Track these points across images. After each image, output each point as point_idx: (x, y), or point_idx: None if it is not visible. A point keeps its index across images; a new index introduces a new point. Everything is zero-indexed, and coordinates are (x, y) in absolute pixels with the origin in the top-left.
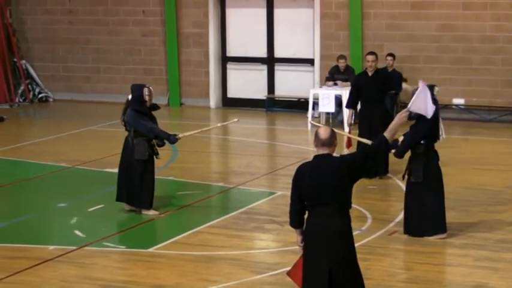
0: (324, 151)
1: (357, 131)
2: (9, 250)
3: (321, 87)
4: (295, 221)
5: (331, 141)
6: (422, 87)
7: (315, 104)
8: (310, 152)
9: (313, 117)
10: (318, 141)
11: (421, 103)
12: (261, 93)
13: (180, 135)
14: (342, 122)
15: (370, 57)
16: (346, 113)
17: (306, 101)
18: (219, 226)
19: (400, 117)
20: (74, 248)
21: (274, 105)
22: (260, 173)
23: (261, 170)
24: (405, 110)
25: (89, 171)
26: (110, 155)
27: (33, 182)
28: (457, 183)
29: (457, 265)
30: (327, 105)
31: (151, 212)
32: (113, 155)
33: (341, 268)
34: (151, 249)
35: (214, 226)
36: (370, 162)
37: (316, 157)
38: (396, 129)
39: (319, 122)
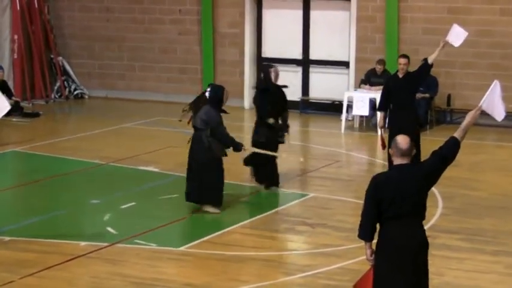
0: (403, 161)
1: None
2: (42, 245)
3: (355, 90)
4: (369, 233)
5: (411, 151)
6: (493, 86)
7: (349, 106)
8: (342, 154)
9: (347, 120)
10: (398, 152)
11: (491, 103)
12: (296, 95)
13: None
14: (375, 125)
15: (403, 60)
16: (378, 115)
17: (340, 104)
18: (250, 226)
19: (472, 115)
20: (106, 244)
21: (308, 107)
22: (292, 175)
23: (293, 172)
24: (477, 108)
25: (122, 169)
26: (144, 153)
27: (67, 178)
28: (492, 190)
29: (488, 272)
30: (361, 108)
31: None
32: (146, 152)
33: (423, 279)
34: (181, 248)
35: (245, 226)
36: (449, 160)
37: (396, 167)
38: (468, 128)
39: (353, 125)
